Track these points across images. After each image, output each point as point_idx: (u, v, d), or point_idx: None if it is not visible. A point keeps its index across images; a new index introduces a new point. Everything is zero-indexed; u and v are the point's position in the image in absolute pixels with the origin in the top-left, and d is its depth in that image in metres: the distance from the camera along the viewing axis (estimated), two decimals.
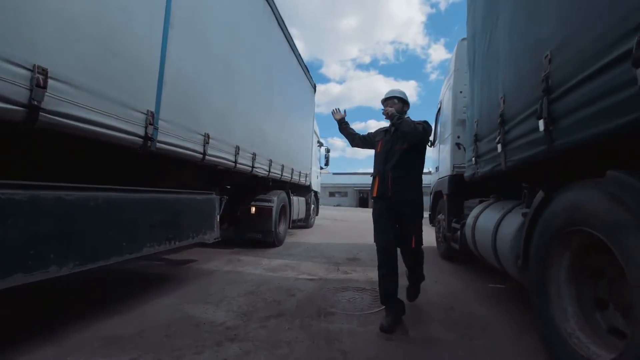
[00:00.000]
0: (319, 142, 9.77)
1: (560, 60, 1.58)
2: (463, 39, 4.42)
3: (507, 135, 2.27)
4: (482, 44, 3.02)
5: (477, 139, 3.04)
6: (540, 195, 1.82)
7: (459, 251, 3.99)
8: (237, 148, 3.73)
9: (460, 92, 4.48)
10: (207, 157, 3.04)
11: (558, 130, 1.59)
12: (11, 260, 1.45)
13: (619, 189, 1.22)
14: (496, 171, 2.55)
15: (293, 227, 7.53)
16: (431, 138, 6.16)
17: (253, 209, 5.00)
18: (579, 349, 1.42)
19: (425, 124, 2.44)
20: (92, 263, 1.84)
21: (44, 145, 1.94)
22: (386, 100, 2.64)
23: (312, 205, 9.05)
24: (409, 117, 2.57)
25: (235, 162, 3.70)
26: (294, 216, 6.72)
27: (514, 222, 2.28)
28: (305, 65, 7.09)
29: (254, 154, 4.26)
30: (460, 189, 4.16)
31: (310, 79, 7.64)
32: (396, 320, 2.18)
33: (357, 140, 2.85)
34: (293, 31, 5.81)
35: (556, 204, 1.66)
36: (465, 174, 3.52)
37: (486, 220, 2.85)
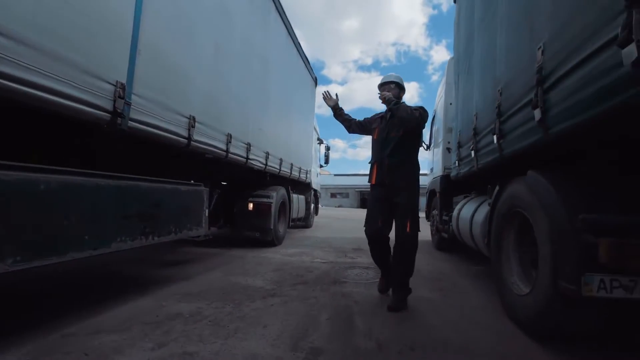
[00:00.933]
0: (318, 139, 9.53)
1: (506, 95, 2.27)
2: (452, 58, 5.12)
3: (478, 144, 2.97)
4: (463, 67, 3.73)
5: (459, 145, 3.74)
6: (496, 188, 2.52)
7: (448, 239, 4.68)
8: (229, 136, 3.47)
9: (450, 103, 5.17)
10: (193, 142, 2.79)
11: (504, 143, 2.29)
12: None
13: (533, 182, 1.91)
14: (472, 171, 3.24)
15: (293, 227, 7.53)
16: (427, 142, 6.88)
17: (251, 205, 4.70)
18: (516, 290, 2.12)
19: (422, 109, 2.42)
20: (40, 259, 1.56)
21: None
22: (383, 85, 2.61)
23: (312, 204, 8.86)
24: (405, 102, 2.53)
25: (227, 151, 3.43)
26: (294, 214, 6.49)
27: (483, 211, 2.98)
28: (306, 57, 6.74)
29: (249, 144, 4.02)
30: (450, 187, 4.84)
31: (310, 71, 7.32)
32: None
33: (353, 126, 2.82)
34: (295, 32, 5.74)
35: (505, 194, 2.35)
36: (451, 174, 4.23)
37: (466, 211, 3.55)
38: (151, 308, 2.20)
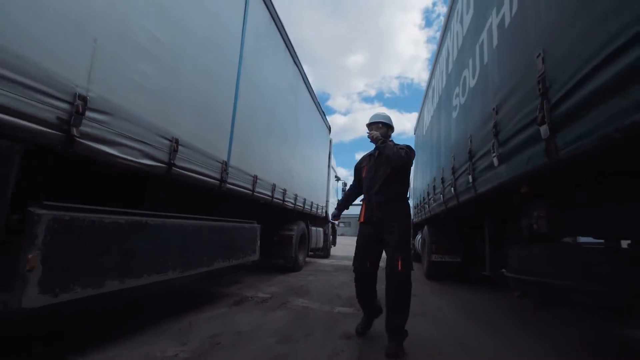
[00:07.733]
0: (336, 176, 11.03)
1: (436, 188, 6.49)
2: None
3: (418, 210, 7.18)
4: (415, 166, 8.04)
5: (415, 207, 7.99)
6: (421, 229, 6.69)
7: (415, 255, 8.82)
8: (274, 185, 4.59)
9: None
10: (255, 194, 3.88)
11: (424, 213, 6.47)
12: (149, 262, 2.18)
13: (427, 229, 6.10)
14: (419, 221, 7.44)
15: (313, 256, 9.21)
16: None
17: (276, 237, 5.79)
18: (425, 265, 6.22)
19: (408, 148, 2.44)
20: (189, 270, 2.60)
21: (162, 186, 2.60)
22: (371, 125, 2.64)
23: (330, 236, 10.02)
24: (392, 140, 2.57)
25: (272, 197, 4.55)
26: (312, 245, 7.71)
27: (420, 239, 7.12)
28: (323, 111, 8.16)
29: (285, 190, 5.12)
30: (414, 226, 8.99)
31: (325, 121, 8.69)
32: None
33: (350, 197, 2.97)
34: (304, 67, 6.48)
35: (423, 232, 6.53)
36: (414, 220, 8.45)
37: (417, 238, 7.71)
38: (306, 272, 6.25)
